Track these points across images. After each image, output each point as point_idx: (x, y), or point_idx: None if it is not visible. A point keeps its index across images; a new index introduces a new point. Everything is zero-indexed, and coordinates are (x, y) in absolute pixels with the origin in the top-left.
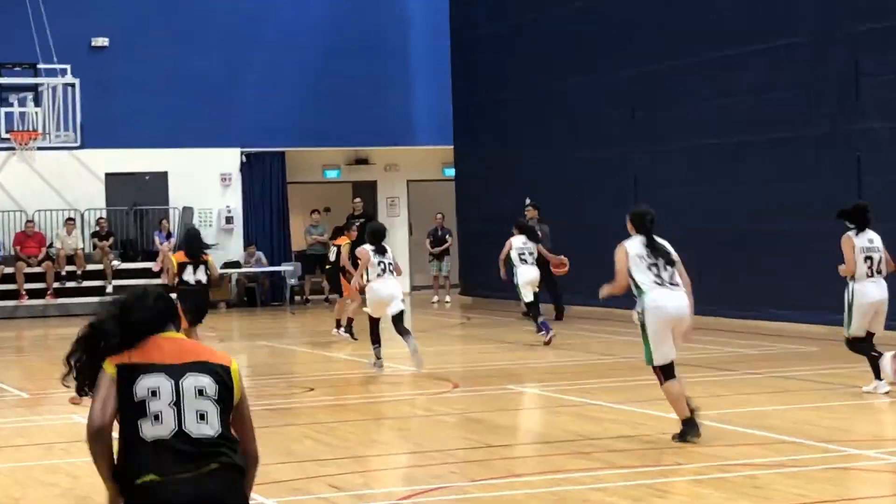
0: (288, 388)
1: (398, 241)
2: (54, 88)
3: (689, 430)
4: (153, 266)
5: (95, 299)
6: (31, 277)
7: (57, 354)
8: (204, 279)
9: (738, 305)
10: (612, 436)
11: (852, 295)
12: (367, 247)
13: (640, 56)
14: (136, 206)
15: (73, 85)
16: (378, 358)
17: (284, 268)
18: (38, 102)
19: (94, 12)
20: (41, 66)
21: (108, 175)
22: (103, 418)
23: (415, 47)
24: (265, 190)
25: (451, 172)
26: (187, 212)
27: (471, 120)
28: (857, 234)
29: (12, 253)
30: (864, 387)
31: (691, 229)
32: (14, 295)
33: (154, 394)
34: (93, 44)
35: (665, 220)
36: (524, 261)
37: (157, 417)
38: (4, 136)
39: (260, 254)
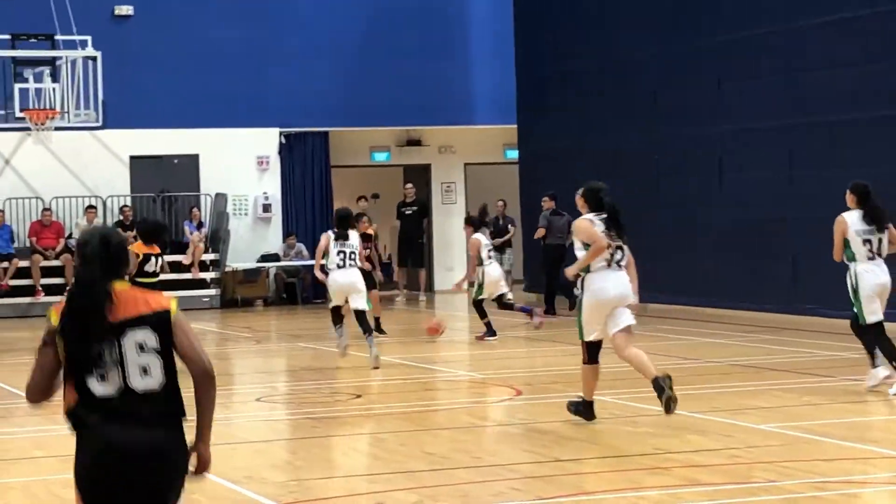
0: (332, 394)
1: (454, 231)
2: (73, 62)
3: (587, 412)
4: (183, 259)
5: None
6: (47, 271)
7: None
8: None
9: (840, 304)
10: (694, 449)
11: (856, 279)
12: (329, 233)
13: (728, 21)
14: (164, 193)
15: (94, 58)
16: (340, 337)
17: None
18: (55, 78)
19: None
20: (59, 37)
21: (132, 158)
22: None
23: (474, 13)
24: (306, 175)
25: (513, 154)
26: (220, 199)
27: (536, 96)
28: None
29: (28, 245)
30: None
31: (785, 218)
32: (30, 291)
33: (101, 353)
34: (116, 13)
35: (754, 208)
36: (490, 258)
37: (103, 377)
38: (19, 115)
39: (300, 245)
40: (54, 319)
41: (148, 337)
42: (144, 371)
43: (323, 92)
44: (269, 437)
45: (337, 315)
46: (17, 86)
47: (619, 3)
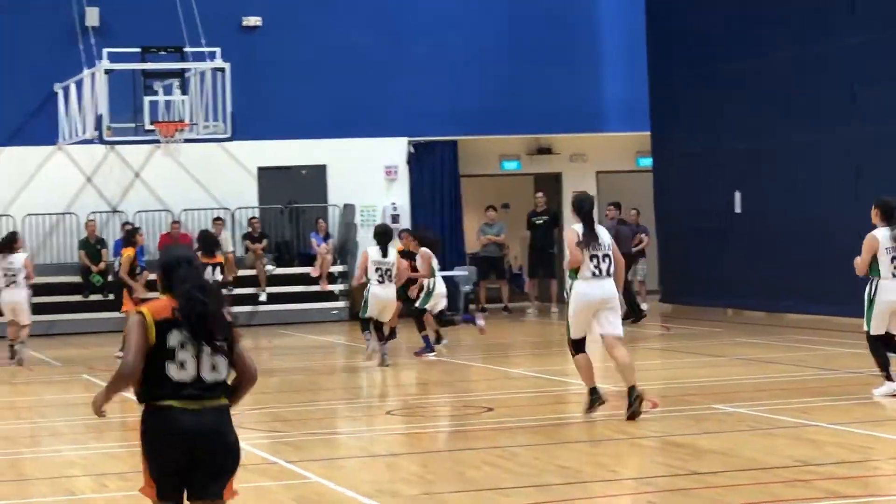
0: (463, 407)
1: None
2: (202, 74)
3: (593, 399)
4: (311, 271)
5: (248, 308)
6: None
7: None
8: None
9: None
10: (834, 461)
11: (875, 292)
12: (371, 249)
13: (864, 22)
14: (292, 204)
15: (222, 70)
16: (369, 341)
17: (457, 272)
18: (184, 90)
19: None
20: (188, 49)
21: (260, 169)
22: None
23: (605, 19)
24: (435, 184)
25: (646, 162)
26: (348, 210)
27: (670, 102)
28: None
29: (157, 257)
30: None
31: None
32: None
33: (182, 346)
34: (243, 24)
35: None
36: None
37: (182, 364)
38: (148, 127)
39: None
40: (149, 316)
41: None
42: (213, 367)
43: (452, 100)
44: (400, 451)
45: (367, 323)
46: (146, 98)
47: (751, 8)
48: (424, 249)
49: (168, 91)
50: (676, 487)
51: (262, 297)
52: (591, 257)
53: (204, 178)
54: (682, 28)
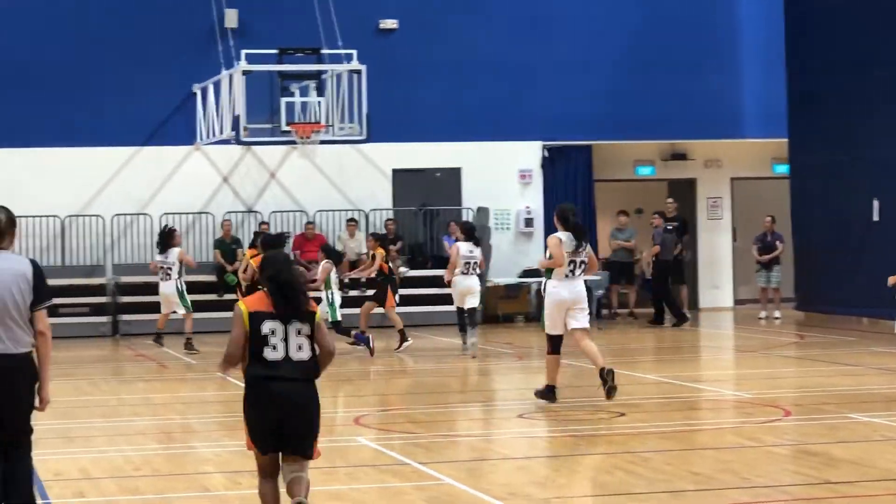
0: (595, 412)
1: (720, 247)
2: (339, 76)
3: (550, 395)
4: (445, 274)
5: (381, 310)
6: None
7: (337, 371)
8: None
9: None
10: None
11: None
12: (459, 244)
13: None
14: (426, 206)
15: (358, 72)
16: (464, 343)
17: (588, 277)
18: (320, 91)
19: None
20: (325, 51)
21: (395, 171)
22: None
23: (744, 23)
24: (569, 188)
25: (782, 169)
26: (482, 212)
27: (809, 107)
28: None
29: (291, 257)
30: None
31: None
32: None
33: (273, 332)
34: (380, 26)
35: None
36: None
37: (274, 347)
38: (285, 128)
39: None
40: (244, 309)
41: (304, 327)
42: (299, 348)
43: (587, 104)
44: (531, 454)
45: (462, 319)
46: (283, 100)
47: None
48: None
49: (304, 93)
50: (810, 497)
51: (395, 299)
52: (570, 262)
53: (339, 179)
54: (822, 33)
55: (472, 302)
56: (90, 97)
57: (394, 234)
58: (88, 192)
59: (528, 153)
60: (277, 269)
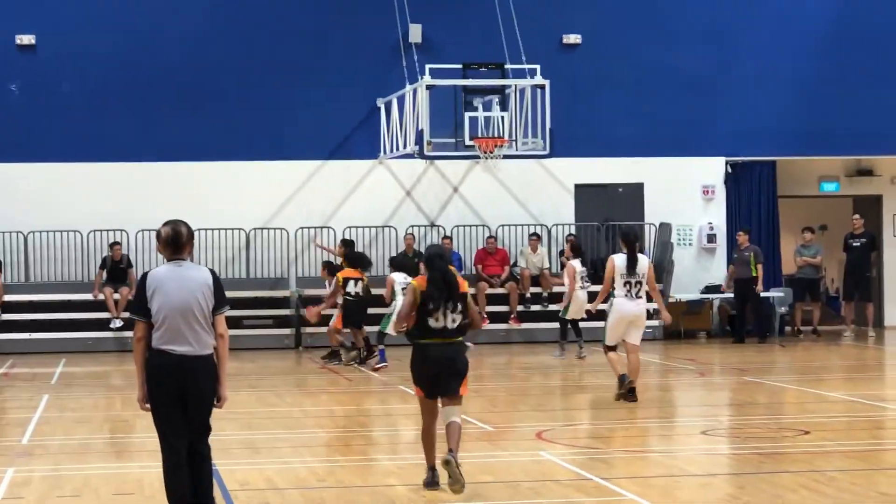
0: (778, 430)
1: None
2: (522, 90)
3: (623, 382)
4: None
5: (557, 325)
6: (492, 299)
7: (520, 385)
8: (361, 292)
9: None
10: None
11: None
12: (575, 261)
13: None
14: (608, 222)
15: (542, 87)
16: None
17: (773, 294)
18: (504, 106)
19: (567, 6)
20: (508, 66)
21: (577, 186)
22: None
23: None
24: (752, 205)
25: None
26: (664, 228)
27: None
28: None
29: (473, 272)
30: None
31: None
32: None
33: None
34: (564, 41)
35: None
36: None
37: (435, 317)
38: (468, 143)
39: None
40: (417, 286)
41: (459, 303)
42: (453, 320)
43: (771, 119)
44: (715, 471)
45: (564, 329)
46: (466, 114)
47: None
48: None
49: (488, 107)
50: None
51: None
52: (625, 283)
53: (521, 193)
54: None
55: (583, 313)
56: (276, 112)
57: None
58: (273, 205)
59: (712, 169)
60: (440, 276)
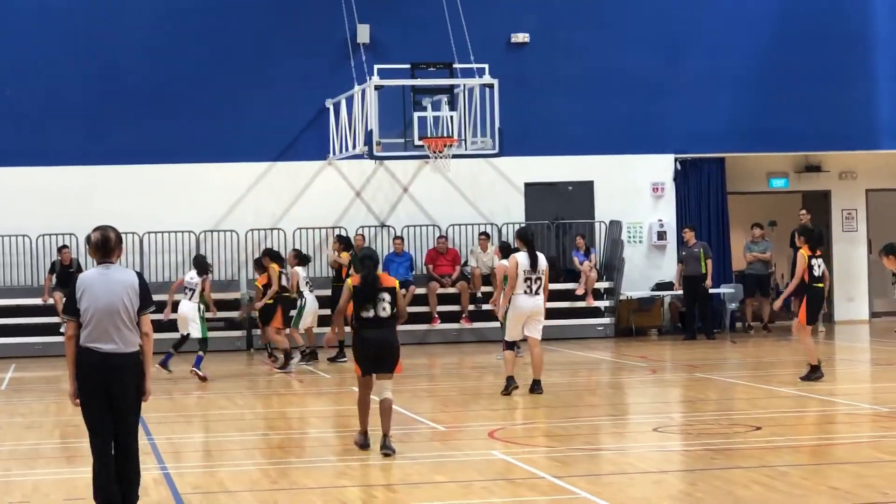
0: (730, 426)
1: (855, 259)
2: (471, 90)
3: (509, 384)
4: (577, 289)
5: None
6: (444, 299)
7: (473, 385)
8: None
9: None
10: None
11: None
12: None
13: None
14: (558, 220)
15: (491, 86)
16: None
17: (723, 290)
18: (453, 106)
19: (515, 6)
20: (457, 65)
21: (527, 185)
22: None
23: (880, 31)
24: (702, 201)
25: None
26: (614, 226)
27: None
28: None
29: (424, 272)
30: None
31: None
32: (426, 318)
33: (366, 299)
34: (512, 40)
35: None
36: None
37: (367, 308)
38: (417, 143)
39: None
40: (350, 285)
41: (387, 295)
42: (383, 309)
43: (720, 117)
44: (667, 468)
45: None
46: (415, 114)
47: None
48: (297, 269)
49: (437, 107)
50: None
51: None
52: (526, 279)
53: (471, 193)
54: None
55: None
56: (222, 114)
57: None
58: (223, 207)
59: (661, 166)
60: (368, 273)
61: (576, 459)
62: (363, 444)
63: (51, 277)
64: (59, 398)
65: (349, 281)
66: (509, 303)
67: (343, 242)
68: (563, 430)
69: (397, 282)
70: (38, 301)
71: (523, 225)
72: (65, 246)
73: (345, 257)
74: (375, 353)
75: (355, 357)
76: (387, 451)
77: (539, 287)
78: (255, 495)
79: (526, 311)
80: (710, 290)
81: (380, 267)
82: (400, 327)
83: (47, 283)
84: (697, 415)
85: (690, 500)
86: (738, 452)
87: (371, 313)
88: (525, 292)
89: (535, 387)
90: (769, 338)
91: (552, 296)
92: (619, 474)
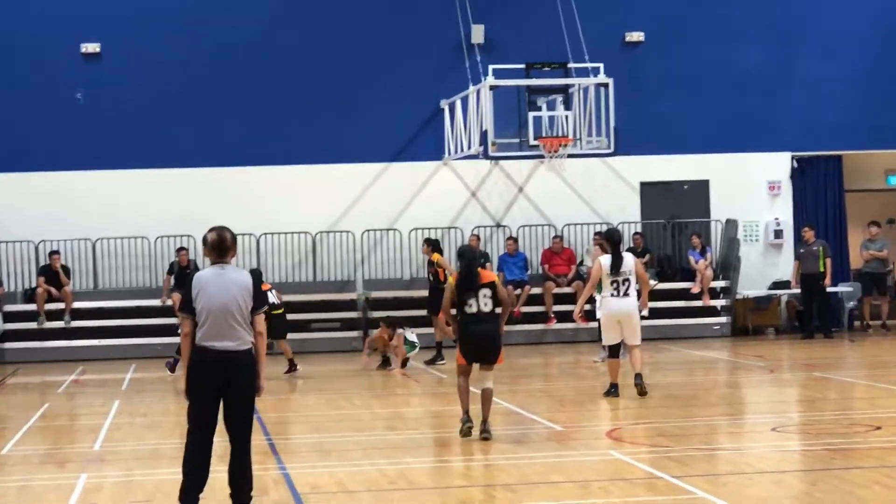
0: (849, 426)
1: None
2: (586, 89)
3: (613, 391)
4: (692, 287)
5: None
6: (559, 298)
7: (589, 385)
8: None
9: None
10: None
11: None
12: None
13: None
14: (674, 219)
15: (605, 85)
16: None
17: (841, 289)
18: (568, 105)
19: (629, 4)
20: (572, 65)
21: (642, 184)
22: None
23: None
24: (819, 199)
25: None
26: (730, 225)
27: None
28: None
29: (540, 272)
30: None
31: None
32: (542, 318)
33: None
34: (626, 39)
35: None
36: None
37: (468, 304)
38: (532, 143)
39: None
40: (451, 283)
41: (487, 290)
42: (485, 304)
43: (837, 114)
44: (786, 468)
45: None
46: (530, 114)
47: None
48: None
49: (552, 106)
50: None
51: (644, 313)
52: (612, 281)
53: (586, 192)
54: None
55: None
56: (338, 115)
57: (641, 247)
58: (339, 208)
59: (777, 164)
60: (468, 270)
61: (693, 459)
62: (466, 422)
63: (169, 279)
64: (179, 398)
65: (450, 279)
66: (597, 304)
67: (431, 244)
68: (680, 429)
69: (496, 276)
70: (157, 302)
71: (638, 224)
72: (182, 247)
73: (436, 258)
74: (479, 345)
75: (460, 348)
76: (486, 434)
77: (627, 288)
78: (374, 495)
79: (614, 312)
80: (828, 289)
81: (483, 262)
82: (515, 327)
83: (166, 284)
84: (816, 414)
85: (810, 501)
86: (858, 452)
87: (474, 308)
88: (613, 294)
89: (638, 380)
90: (888, 336)
91: (668, 295)
92: (738, 474)
